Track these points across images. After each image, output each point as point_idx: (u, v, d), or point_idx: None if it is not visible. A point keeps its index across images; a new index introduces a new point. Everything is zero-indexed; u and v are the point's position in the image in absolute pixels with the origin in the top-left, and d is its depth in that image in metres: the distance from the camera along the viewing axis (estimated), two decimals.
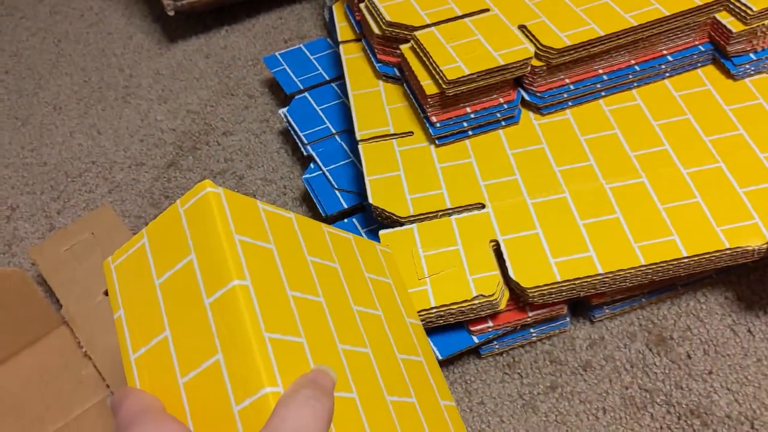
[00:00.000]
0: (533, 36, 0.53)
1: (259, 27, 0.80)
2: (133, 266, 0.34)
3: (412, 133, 0.55)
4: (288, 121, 0.64)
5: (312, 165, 0.60)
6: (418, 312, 0.45)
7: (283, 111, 0.65)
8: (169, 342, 0.32)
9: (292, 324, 0.32)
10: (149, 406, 0.29)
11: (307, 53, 0.70)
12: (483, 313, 0.46)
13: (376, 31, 0.58)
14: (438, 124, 0.53)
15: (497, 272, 0.46)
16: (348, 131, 0.62)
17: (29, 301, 0.52)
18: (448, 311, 0.45)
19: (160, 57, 0.79)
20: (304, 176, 0.59)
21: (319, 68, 0.68)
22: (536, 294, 0.45)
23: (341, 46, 0.63)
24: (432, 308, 0.45)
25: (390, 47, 0.58)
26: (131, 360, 0.33)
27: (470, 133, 0.54)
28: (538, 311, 0.48)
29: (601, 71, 0.55)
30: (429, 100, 0.52)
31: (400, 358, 0.39)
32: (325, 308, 0.35)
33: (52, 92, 0.76)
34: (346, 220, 0.56)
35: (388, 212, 0.50)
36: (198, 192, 0.33)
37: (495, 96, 0.54)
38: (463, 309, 0.45)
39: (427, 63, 0.53)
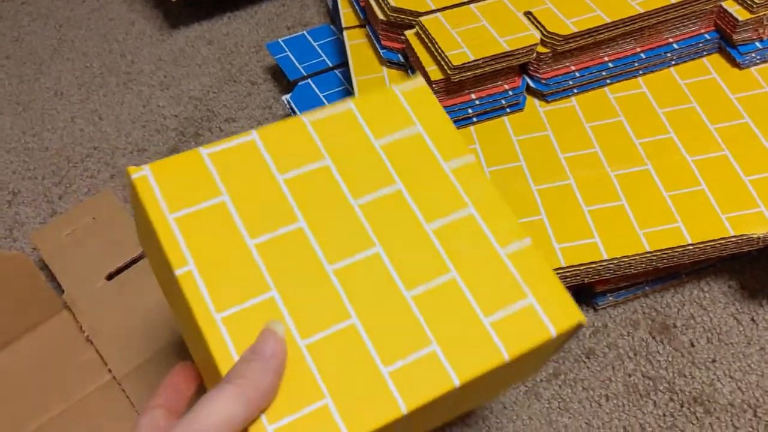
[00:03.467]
0: (539, 22, 0.53)
1: (261, 14, 0.80)
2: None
3: None
4: (291, 108, 0.63)
5: None
6: None
7: (286, 97, 0.64)
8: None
9: (255, 282, 0.30)
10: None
11: (311, 40, 0.70)
12: None
13: (381, 16, 0.58)
14: None
15: None
16: None
17: (31, 286, 0.52)
18: None
19: (162, 43, 0.78)
20: None
21: (323, 55, 0.68)
22: None
23: (345, 32, 0.63)
24: None
25: (394, 33, 0.58)
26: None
27: (475, 119, 0.54)
28: None
29: (606, 59, 0.55)
30: (434, 86, 0.52)
31: (431, 229, 0.33)
32: (307, 231, 0.32)
33: (54, 77, 0.76)
34: None
35: None
36: (128, 181, 0.33)
37: (500, 83, 0.54)
38: None
39: (432, 49, 0.53)
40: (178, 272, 0.30)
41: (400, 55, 0.58)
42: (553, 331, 0.31)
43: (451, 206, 0.34)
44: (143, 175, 0.32)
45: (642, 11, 0.53)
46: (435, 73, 0.52)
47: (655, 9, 0.53)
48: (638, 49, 0.55)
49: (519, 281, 0.32)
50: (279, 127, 0.34)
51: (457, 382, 0.29)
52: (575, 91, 0.55)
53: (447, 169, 0.35)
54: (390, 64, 0.59)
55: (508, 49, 0.51)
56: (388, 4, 0.56)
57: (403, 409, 0.28)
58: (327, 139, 0.35)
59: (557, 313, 0.32)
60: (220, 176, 0.33)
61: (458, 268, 0.32)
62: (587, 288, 0.50)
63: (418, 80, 0.37)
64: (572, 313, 0.32)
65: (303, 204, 0.33)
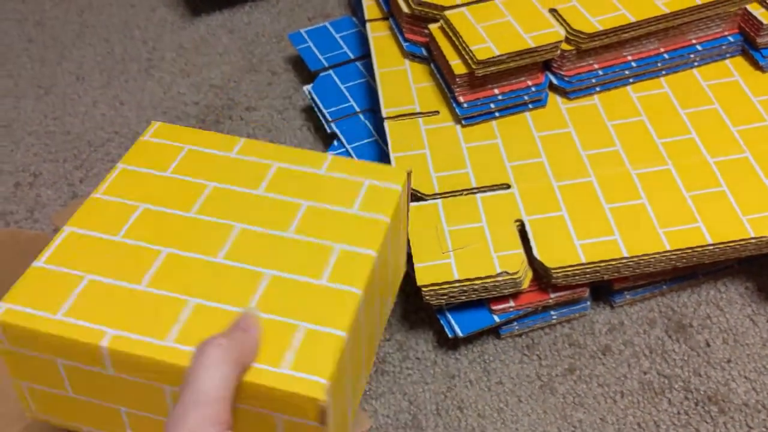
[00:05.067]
0: (564, 20, 0.53)
1: (283, 4, 0.80)
2: None
3: (438, 112, 0.55)
4: (312, 98, 0.64)
5: (335, 142, 0.61)
6: (441, 283, 0.45)
7: (307, 88, 0.65)
8: None
9: (170, 306, 0.32)
10: None
11: (332, 31, 0.70)
12: (506, 291, 0.46)
13: (405, 9, 0.58)
14: (465, 104, 0.53)
15: (521, 251, 0.46)
16: (372, 110, 0.62)
17: None
18: (471, 286, 0.45)
19: (184, 31, 0.79)
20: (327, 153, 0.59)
21: (344, 47, 0.68)
22: (560, 274, 0.45)
23: (368, 24, 0.63)
24: (455, 282, 0.45)
25: (418, 26, 0.58)
26: None
27: (497, 114, 0.54)
28: (560, 293, 0.48)
29: (630, 58, 0.55)
30: (457, 79, 0.52)
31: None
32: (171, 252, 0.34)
33: (75, 62, 0.76)
34: None
35: (413, 190, 0.50)
36: None
37: (523, 78, 0.54)
38: (486, 285, 0.45)
39: (457, 43, 0.53)
40: (102, 343, 0.30)
41: (423, 49, 0.59)
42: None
43: None
44: (7, 308, 0.32)
45: (667, 12, 0.53)
46: (459, 67, 0.52)
47: (681, 10, 0.53)
48: (662, 50, 0.55)
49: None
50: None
51: None
52: (598, 89, 0.55)
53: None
54: (413, 57, 0.59)
55: (532, 45, 0.51)
56: None
57: None
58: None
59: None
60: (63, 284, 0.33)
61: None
62: (605, 285, 0.50)
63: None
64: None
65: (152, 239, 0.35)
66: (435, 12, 0.56)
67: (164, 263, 0.33)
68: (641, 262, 0.46)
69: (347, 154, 0.59)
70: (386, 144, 0.53)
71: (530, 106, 0.54)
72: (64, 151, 0.67)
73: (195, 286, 0.32)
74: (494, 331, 0.51)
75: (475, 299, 0.47)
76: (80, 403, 0.33)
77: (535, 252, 0.46)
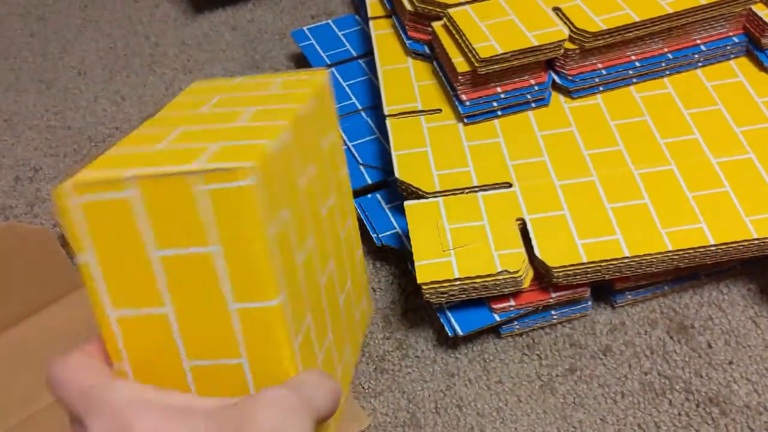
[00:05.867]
0: (568, 18, 0.53)
1: (286, 2, 0.80)
2: None
3: (441, 110, 0.55)
4: None
5: None
6: (442, 282, 0.45)
7: None
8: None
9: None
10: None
11: (335, 29, 0.70)
12: (506, 290, 0.46)
13: (409, 7, 0.58)
14: (468, 103, 0.53)
15: (522, 250, 0.46)
16: (374, 108, 0.62)
17: (53, 260, 0.52)
18: (471, 285, 0.45)
19: (186, 27, 0.78)
20: None
21: (347, 44, 0.68)
22: (561, 274, 0.45)
23: (371, 22, 0.63)
24: (456, 280, 0.45)
25: (421, 24, 0.58)
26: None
27: (499, 113, 0.54)
28: (561, 293, 0.47)
29: (633, 57, 0.55)
30: (460, 77, 0.52)
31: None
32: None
33: (77, 57, 0.76)
34: (369, 196, 0.56)
35: (414, 187, 0.50)
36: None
37: (526, 77, 0.54)
38: (486, 284, 0.45)
39: (460, 41, 0.53)
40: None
41: (426, 47, 0.58)
42: None
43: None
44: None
45: (671, 11, 0.53)
46: (461, 65, 0.52)
47: (685, 10, 0.53)
48: (665, 50, 0.55)
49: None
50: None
51: None
52: (601, 88, 0.55)
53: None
54: (416, 55, 0.59)
55: (536, 43, 0.51)
56: None
57: None
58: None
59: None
60: None
61: None
62: (606, 285, 0.50)
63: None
64: None
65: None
66: (438, 10, 0.56)
67: None
68: (643, 262, 0.45)
69: (348, 151, 0.59)
70: (388, 142, 0.53)
71: (533, 104, 0.54)
72: (65, 145, 0.67)
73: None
74: (494, 330, 0.50)
75: (476, 298, 0.47)
76: (142, 265, 0.25)
77: (537, 251, 0.46)
